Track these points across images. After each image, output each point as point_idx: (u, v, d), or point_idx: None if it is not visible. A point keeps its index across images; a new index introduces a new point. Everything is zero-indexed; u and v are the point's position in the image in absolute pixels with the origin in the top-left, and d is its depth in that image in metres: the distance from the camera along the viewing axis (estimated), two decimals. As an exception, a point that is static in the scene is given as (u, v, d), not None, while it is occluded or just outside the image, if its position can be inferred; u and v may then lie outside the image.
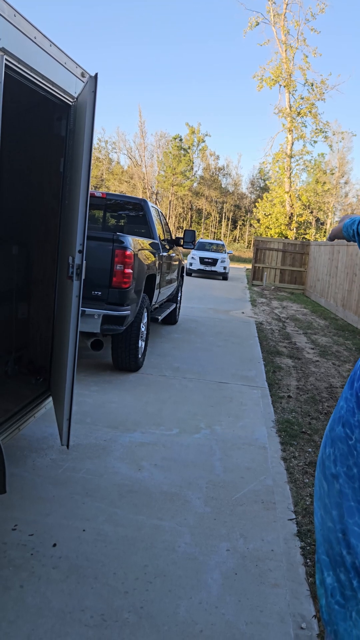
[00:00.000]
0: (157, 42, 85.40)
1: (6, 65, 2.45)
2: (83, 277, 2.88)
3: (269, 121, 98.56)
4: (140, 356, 5.89)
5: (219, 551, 2.69)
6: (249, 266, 28.32)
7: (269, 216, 30.72)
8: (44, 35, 2.72)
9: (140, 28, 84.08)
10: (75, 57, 3.16)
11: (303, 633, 2.19)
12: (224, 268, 23.06)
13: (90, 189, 2.91)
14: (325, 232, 53.27)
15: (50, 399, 3.84)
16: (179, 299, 9.53)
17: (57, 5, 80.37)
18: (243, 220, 64.37)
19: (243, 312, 12.38)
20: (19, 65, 2.56)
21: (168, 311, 7.92)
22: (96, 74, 2.70)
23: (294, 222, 30.07)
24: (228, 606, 2.29)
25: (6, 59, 2.42)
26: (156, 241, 6.86)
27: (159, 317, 7.04)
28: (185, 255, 26.07)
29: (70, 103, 3.27)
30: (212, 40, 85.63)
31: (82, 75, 3.28)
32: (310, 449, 4.21)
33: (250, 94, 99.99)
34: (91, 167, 2.86)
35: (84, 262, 2.86)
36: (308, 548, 2.83)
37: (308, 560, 2.73)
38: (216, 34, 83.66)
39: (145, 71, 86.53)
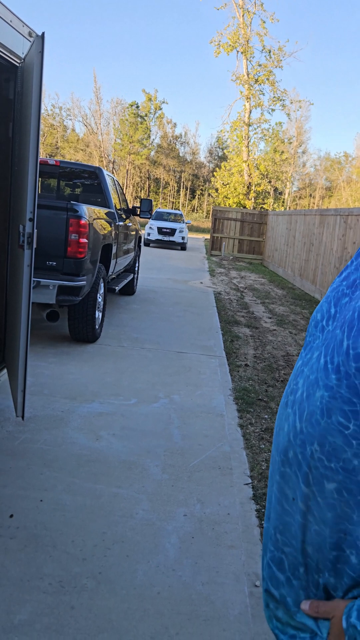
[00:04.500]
0: (115, 7, 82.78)
1: None
2: (34, 245, 2.81)
3: (227, 89, 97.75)
4: (97, 327, 5.85)
5: (176, 516, 2.74)
6: (208, 236, 28.31)
7: (227, 185, 30.66)
8: (-13, -10, 2.59)
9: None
10: (28, 22, 3.02)
11: (257, 590, 2.26)
12: (183, 238, 22.98)
13: (44, 157, 2.82)
14: (283, 202, 53.61)
15: (5, 370, 3.78)
16: (136, 269, 9.46)
17: None
18: (201, 189, 64.06)
19: (202, 282, 12.40)
20: None
21: (125, 281, 7.85)
22: (43, 33, 2.59)
23: (252, 191, 30.11)
24: (185, 568, 2.34)
25: None
26: (112, 210, 6.75)
27: (116, 288, 6.98)
28: (143, 225, 25.85)
29: (18, 64, 3.13)
30: (170, 5, 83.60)
31: (30, 34, 3.15)
32: (266, 416, 4.30)
33: (208, 60, 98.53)
34: (40, 131, 2.76)
35: (35, 230, 2.79)
36: (263, 510, 2.91)
37: (263, 522, 2.81)
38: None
39: (101, 36, 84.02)
